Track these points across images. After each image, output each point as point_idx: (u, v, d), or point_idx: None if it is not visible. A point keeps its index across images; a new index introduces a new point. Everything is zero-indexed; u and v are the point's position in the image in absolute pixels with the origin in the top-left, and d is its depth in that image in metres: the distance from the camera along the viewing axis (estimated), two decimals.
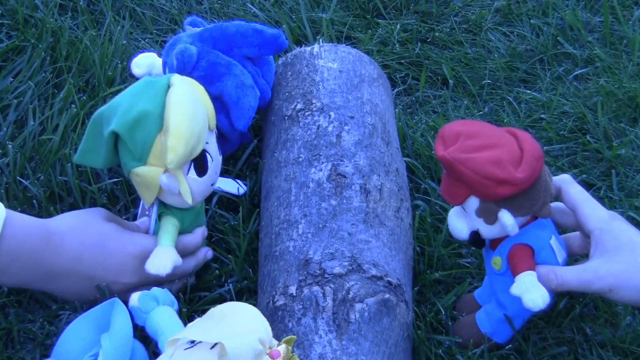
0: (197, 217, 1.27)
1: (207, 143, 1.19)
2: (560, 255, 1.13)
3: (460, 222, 1.12)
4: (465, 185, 1.07)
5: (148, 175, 1.16)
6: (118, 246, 1.18)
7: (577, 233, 1.19)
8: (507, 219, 1.07)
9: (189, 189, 1.18)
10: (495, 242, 1.13)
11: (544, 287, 1.07)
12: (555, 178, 1.16)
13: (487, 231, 1.11)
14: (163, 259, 1.17)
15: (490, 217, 1.09)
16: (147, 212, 1.29)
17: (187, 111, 1.15)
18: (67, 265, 1.16)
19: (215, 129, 1.23)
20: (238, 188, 1.39)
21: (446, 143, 1.08)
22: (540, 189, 1.07)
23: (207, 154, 1.20)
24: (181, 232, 1.24)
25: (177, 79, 1.18)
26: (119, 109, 1.16)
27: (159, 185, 1.17)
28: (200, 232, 1.26)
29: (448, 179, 1.09)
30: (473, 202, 1.09)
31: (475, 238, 1.12)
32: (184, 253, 1.22)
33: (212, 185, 1.23)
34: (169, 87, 1.17)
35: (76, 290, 1.19)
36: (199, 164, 1.19)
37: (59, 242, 1.15)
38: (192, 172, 1.19)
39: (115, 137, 1.16)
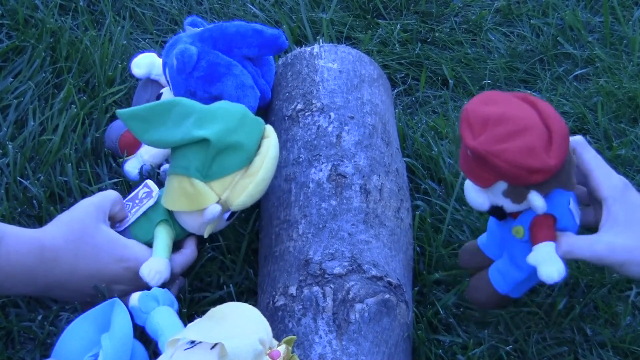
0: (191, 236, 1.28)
1: None
2: (578, 215, 1.12)
3: (481, 196, 1.10)
4: (495, 172, 1.06)
5: (204, 194, 1.18)
6: (112, 258, 1.18)
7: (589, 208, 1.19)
8: (538, 201, 1.06)
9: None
10: (516, 213, 1.12)
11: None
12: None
13: (513, 207, 1.09)
14: (157, 271, 1.18)
15: (518, 198, 1.08)
16: (136, 201, 1.27)
17: (273, 169, 1.21)
18: (62, 278, 1.16)
19: None
20: None
21: (474, 130, 1.05)
22: (567, 164, 1.06)
23: None
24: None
25: (273, 132, 1.23)
26: (220, 123, 1.17)
27: (202, 207, 1.18)
28: (182, 264, 1.25)
29: (474, 163, 1.07)
30: (500, 185, 1.08)
31: (498, 212, 1.11)
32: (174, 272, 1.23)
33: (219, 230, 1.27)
34: (263, 132, 1.22)
35: (73, 297, 1.19)
36: (234, 211, 1.22)
37: (53, 257, 1.15)
38: (227, 214, 1.21)
39: (199, 141, 1.17)
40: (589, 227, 1.16)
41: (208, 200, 1.17)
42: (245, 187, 1.18)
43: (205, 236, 1.22)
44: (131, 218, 1.24)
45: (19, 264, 1.12)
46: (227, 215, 1.21)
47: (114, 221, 1.25)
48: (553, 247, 1.08)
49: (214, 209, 1.18)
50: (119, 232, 1.24)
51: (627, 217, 1.10)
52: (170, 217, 1.24)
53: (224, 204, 1.18)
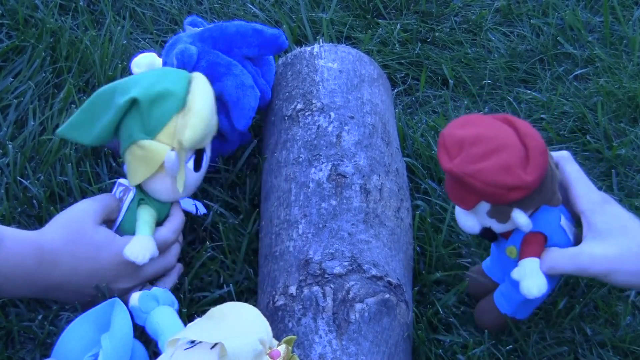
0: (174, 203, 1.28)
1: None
2: (571, 232, 1.13)
3: (470, 219, 1.11)
4: (475, 193, 1.06)
5: (155, 149, 1.17)
6: (111, 256, 1.18)
7: None
8: (521, 219, 1.07)
9: (185, 178, 1.21)
10: (507, 232, 1.13)
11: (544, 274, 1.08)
12: (554, 154, 1.15)
13: (500, 227, 1.10)
14: (142, 248, 1.18)
15: (502, 217, 1.08)
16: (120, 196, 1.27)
17: (210, 100, 1.22)
18: (62, 280, 1.16)
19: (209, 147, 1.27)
20: (196, 208, 1.37)
21: (450, 153, 1.06)
22: (548, 180, 1.06)
23: (204, 153, 1.23)
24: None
25: (199, 75, 1.24)
26: (142, 82, 1.19)
27: (159, 162, 1.18)
28: (173, 228, 1.25)
29: (456, 186, 1.08)
30: (484, 206, 1.08)
31: (488, 233, 1.12)
32: (162, 248, 1.22)
33: (196, 188, 1.27)
34: (190, 78, 1.23)
35: (73, 298, 1.19)
36: (198, 159, 1.22)
37: (52, 259, 1.15)
38: (191, 163, 1.22)
39: (129, 107, 1.17)
40: None
41: (161, 152, 1.17)
42: (187, 123, 1.17)
43: (180, 190, 1.21)
44: (119, 217, 1.24)
45: (18, 266, 1.12)
46: (190, 163, 1.21)
47: (109, 224, 1.25)
48: (537, 263, 1.10)
49: (170, 156, 1.17)
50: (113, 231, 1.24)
51: (607, 227, 1.11)
52: (147, 197, 1.23)
53: (177, 149, 1.18)
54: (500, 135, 1.06)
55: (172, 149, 1.18)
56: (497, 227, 1.10)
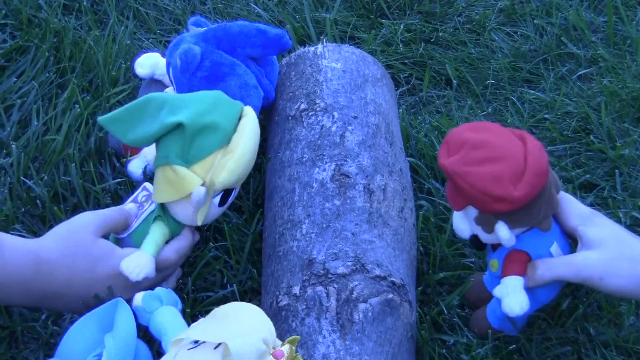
0: None
1: None
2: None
3: (463, 223, 1.12)
4: (464, 196, 1.07)
5: (187, 178, 1.17)
6: (108, 270, 1.17)
7: None
8: (503, 233, 1.07)
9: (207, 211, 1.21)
10: (496, 245, 1.14)
11: (526, 292, 1.09)
12: None
13: (486, 238, 1.11)
14: (138, 265, 1.16)
15: (488, 227, 1.09)
16: (138, 203, 1.26)
17: (254, 144, 1.20)
18: (58, 290, 1.16)
19: None
20: None
21: (450, 151, 1.07)
22: (541, 203, 1.07)
23: (234, 190, 1.23)
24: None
25: (252, 112, 1.23)
26: (193, 107, 1.17)
27: (188, 192, 1.17)
28: (177, 248, 1.24)
29: (450, 184, 1.09)
30: (473, 211, 1.09)
31: (476, 241, 1.13)
32: (160, 266, 1.21)
33: (215, 218, 1.26)
34: (242, 112, 1.22)
35: (69, 308, 1.19)
36: (226, 195, 1.22)
37: (49, 270, 1.14)
38: (217, 199, 1.20)
39: (174, 128, 1.16)
40: None
41: (192, 184, 1.17)
42: (225, 164, 1.17)
43: (199, 223, 1.21)
44: (135, 223, 1.24)
45: (14, 275, 1.12)
46: (217, 199, 1.20)
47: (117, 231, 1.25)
48: (520, 282, 1.10)
49: (199, 191, 1.16)
50: (123, 239, 1.24)
51: (599, 236, 1.12)
52: (164, 214, 1.23)
53: (208, 185, 1.17)
54: (505, 146, 1.06)
55: (203, 184, 1.17)
56: (484, 236, 1.11)
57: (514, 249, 1.12)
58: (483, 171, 1.03)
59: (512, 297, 1.09)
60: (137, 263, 1.16)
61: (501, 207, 1.04)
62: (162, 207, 1.23)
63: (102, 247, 1.18)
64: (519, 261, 1.11)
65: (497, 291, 1.11)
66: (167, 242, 1.23)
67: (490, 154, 1.04)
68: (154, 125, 1.17)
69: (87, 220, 1.20)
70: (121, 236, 1.24)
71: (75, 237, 1.18)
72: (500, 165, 1.03)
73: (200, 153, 1.16)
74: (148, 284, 1.20)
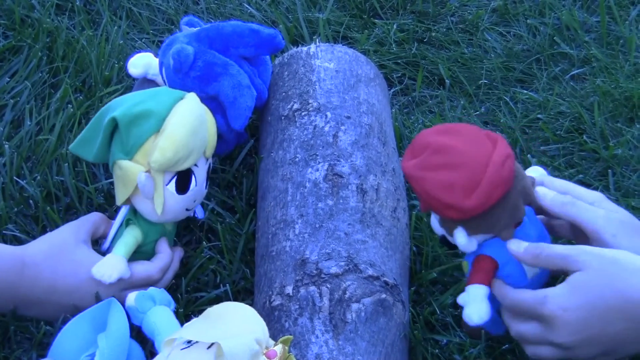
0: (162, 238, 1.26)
1: (196, 166, 1.20)
2: (531, 270, 1.12)
3: (435, 223, 1.13)
4: (422, 199, 1.08)
5: (129, 169, 1.17)
6: (90, 274, 1.17)
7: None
8: (459, 239, 1.08)
9: (164, 200, 1.19)
10: None
11: (488, 302, 1.09)
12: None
13: (451, 239, 1.11)
14: (110, 269, 1.16)
15: (449, 231, 1.09)
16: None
17: (188, 123, 1.17)
18: (42, 296, 1.16)
19: (210, 163, 1.25)
20: (194, 211, 1.35)
21: (413, 153, 1.08)
22: (500, 213, 1.06)
23: (192, 175, 1.20)
24: (141, 248, 1.23)
25: (193, 96, 1.21)
26: (128, 102, 1.18)
27: (134, 183, 1.17)
28: (160, 266, 1.23)
29: None
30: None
31: (445, 241, 1.13)
32: (144, 284, 1.21)
33: (187, 210, 1.24)
34: (182, 98, 1.20)
35: (52, 316, 1.19)
36: (182, 180, 1.19)
37: (33, 274, 1.15)
38: (172, 185, 1.19)
39: (113, 127, 1.17)
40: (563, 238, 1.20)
41: (134, 173, 1.16)
42: (157, 144, 1.15)
43: (158, 212, 1.19)
44: (111, 232, 1.24)
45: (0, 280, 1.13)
46: (172, 186, 1.18)
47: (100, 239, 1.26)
48: (483, 290, 1.10)
49: (140, 176, 1.16)
50: (105, 249, 1.24)
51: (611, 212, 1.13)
52: (135, 216, 1.23)
53: (151, 171, 1.17)
54: (468, 154, 1.04)
55: (148, 171, 1.16)
56: (450, 238, 1.11)
57: (481, 254, 1.11)
58: (438, 177, 1.03)
59: (472, 306, 1.09)
60: (107, 266, 1.17)
61: (452, 215, 1.04)
62: (134, 211, 1.23)
63: (85, 252, 1.19)
64: (483, 270, 1.10)
65: (460, 299, 1.11)
66: (146, 250, 1.24)
67: (449, 160, 1.04)
68: (100, 132, 1.18)
69: (71, 228, 1.22)
70: (103, 248, 1.25)
71: (59, 242, 1.20)
72: (456, 173, 1.03)
73: (137, 142, 1.16)
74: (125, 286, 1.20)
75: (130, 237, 1.21)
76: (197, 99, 1.21)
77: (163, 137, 1.15)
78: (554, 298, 1.03)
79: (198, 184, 1.21)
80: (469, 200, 1.02)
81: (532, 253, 1.08)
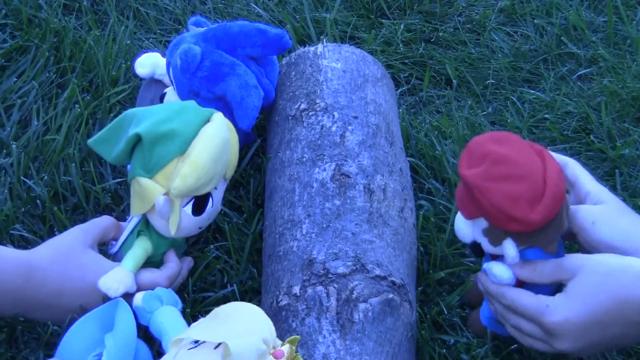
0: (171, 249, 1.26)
1: (215, 189, 1.20)
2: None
3: (467, 228, 1.11)
4: (479, 208, 1.06)
5: (148, 189, 1.16)
6: (97, 279, 1.17)
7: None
8: (509, 250, 1.07)
9: (179, 221, 1.18)
10: (496, 255, 1.13)
11: None
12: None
13: (489, 248, 1.10)
14: (116, 281, 1.16)
15: (495, 240, 1.08)
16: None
17: (213, 149, 1.15)
18: (48, 300, 1.16)
19: (228, 180, 1.25)
20: None
21: (472, 161, 1.06)
22: (552, 226, 1.05)
23: (210, 198, 1.20)
24: (150, 258, 1.23)
25: (220, 117, 1.19)
26: (154, 117, 1.16)
27: (152, 203, 1.16)
28: (168, 275, 1.23)
29: (466, 194, 1.07)
30: (482, 222, 1.08)
31: (476, 248, 1.12)
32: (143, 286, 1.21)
33: (200, 228, 1.23)
34: (209, 119, 1.18)
35: (58, 319, 1.19)
36: (199, 203, 1.19)
37: (40, 278, 1.15)
38: (189, 207, 1.18)
39: (136, 140, 1.16)
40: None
41: (153, 194, 1.15)
42: (180, 170, 1.14)
43: (172, 233, 1.19)
44: (122, 237, 1.24)
45: (6, 284, 1.13)
46: (188, 208, 1.18)
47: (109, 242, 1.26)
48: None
49: (159, 200, 1.15)
50: (115, 254, 1.24)
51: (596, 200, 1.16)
52: (147, 227, 1.22)
53: (170, 194, 1.16)
54: (527, 165, 1.04)
55: (166, 193, 1.16)
56: (487, 247, 1.10)
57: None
58: (504, 189, 1.02)
59: (497, 266, 1.10)
60: (114, 279, 1.16)
61: (515, 227, 1.03)
62: (146, 222, 1.22)
63: (92, 257, 1.19)
64: None
65: (485, 265, 1.11)
66: (155, 261, 1.23)
67: (512, 171, 1.03)
68: (123, 141, 1.17)
69: (78, 232, 1.21)
70: (111, 251, 1.25)
71: (66, 246, 1.19)
72: (521, 185, 1.02)
73: (159, 162, 1.15)
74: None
75: (140, 250, 1.21)
76: (224, 121, 1.20)
77: (186, 163, 1.13)
78: (556, 308, 1.04)
79: (214, 205, 1.22)
80: (534, 213, 1.01)
81: (528, 269, 1.09)
